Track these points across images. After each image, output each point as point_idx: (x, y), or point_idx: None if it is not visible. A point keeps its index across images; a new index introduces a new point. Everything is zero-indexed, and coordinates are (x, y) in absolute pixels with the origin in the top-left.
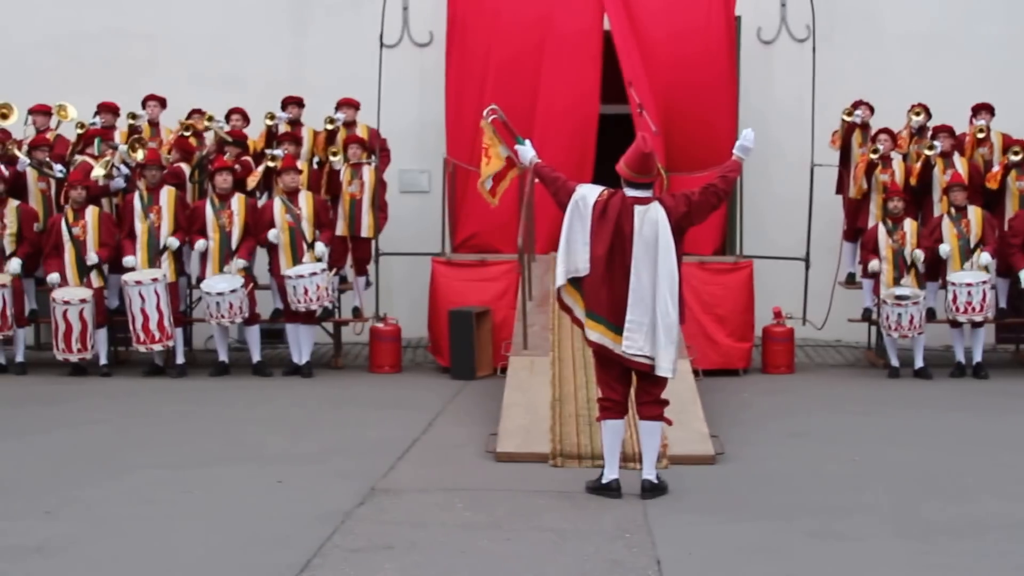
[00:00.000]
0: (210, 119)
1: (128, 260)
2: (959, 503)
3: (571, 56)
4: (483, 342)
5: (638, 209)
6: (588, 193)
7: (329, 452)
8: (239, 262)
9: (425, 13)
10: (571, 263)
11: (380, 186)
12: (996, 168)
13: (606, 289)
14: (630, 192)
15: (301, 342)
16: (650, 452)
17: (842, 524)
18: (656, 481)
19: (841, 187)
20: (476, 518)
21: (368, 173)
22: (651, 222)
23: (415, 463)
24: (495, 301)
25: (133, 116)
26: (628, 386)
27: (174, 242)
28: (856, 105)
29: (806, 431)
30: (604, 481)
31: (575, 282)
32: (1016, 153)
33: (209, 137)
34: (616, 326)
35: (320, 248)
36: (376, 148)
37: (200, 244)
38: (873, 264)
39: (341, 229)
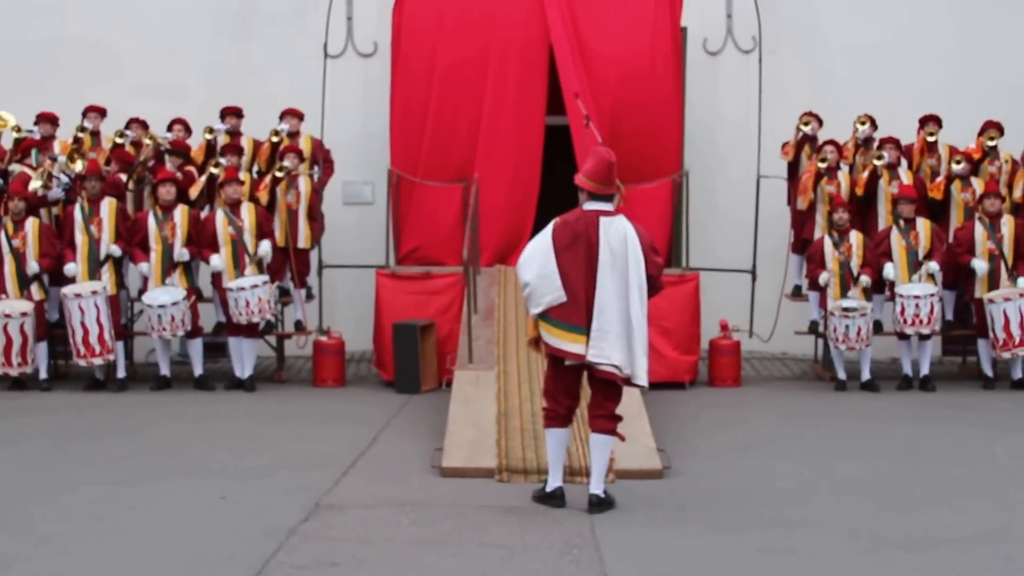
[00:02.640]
0: (151, 138)
1: (69, 267)
2: (909, 516)
3: (517, 66)
4: (428, 356)
5: (603, 220)
6: (543, 237)
7: (273, 467)
8: (183, 252)
9: (369, 23)
10: (545, 299)
11: (315, 196)
12: (940, 179)
13: (584, 300)
14: (591, 206)
15: (244, 356)
16: (599, 466)
17: (792, 538)
18: (603, 496)
19: (791, 198)
20: (422, 534)
21: (304, 183)
22: (618, 233)
23: (360, 478)
24: (440, 314)
25: (82, 130)
26: (575, 400)
27: (116, 249)
28: (807, 116)
29: (753, 444)
30: (548, 490)
31: (542, 313)
32: (958, 163)
33: (146, 144)
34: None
35: (264, 247)
36: (320, 159)
37: (143, 267)
38: (823, 276)
39: (278, 240)
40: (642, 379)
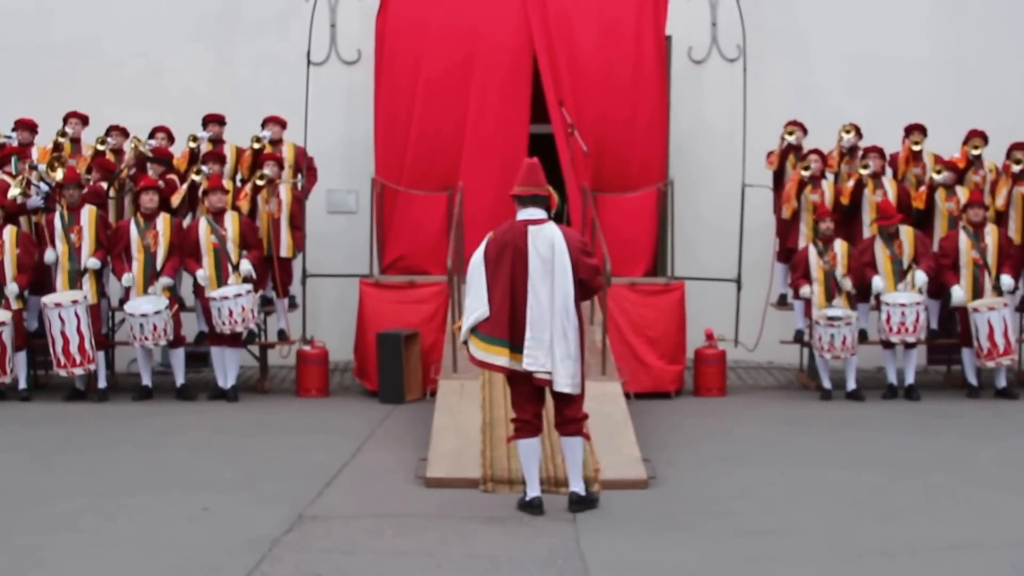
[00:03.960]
0: (135, 142)
1: (49, 254)
2: (893, 525)
3: (501, 74)
4: (412, 365)
5: (532, 229)
6: (477, 253)
7: (256, 478)
8: (164, 280)
9: (353, 31)
10: (472, 316)
11: (296, 205)
12: (922, 188)
13: (507, 312)
14: (522, 215)
15: (227, 365)
16: (574, 465)
17: (777, 547)
18: (583, 494)
19: (776, 207)
20: (406, 545)
21: (285, 192)
22: (546, 240)
23: (344, 489)
24: (424, 324)
25: (63, 134)
26: (539, 404)
27: (95, 263)
28: (792, 125)
29: (738, 454)
30: (527, 499)
31: (474, 329)
32: (939, 172)
33: (127, 151)
34: (517, 346)
35: (245, 266)
36: (303, 167)
37: (126, 279)
38: (804, 290)
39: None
40: (563, 385)
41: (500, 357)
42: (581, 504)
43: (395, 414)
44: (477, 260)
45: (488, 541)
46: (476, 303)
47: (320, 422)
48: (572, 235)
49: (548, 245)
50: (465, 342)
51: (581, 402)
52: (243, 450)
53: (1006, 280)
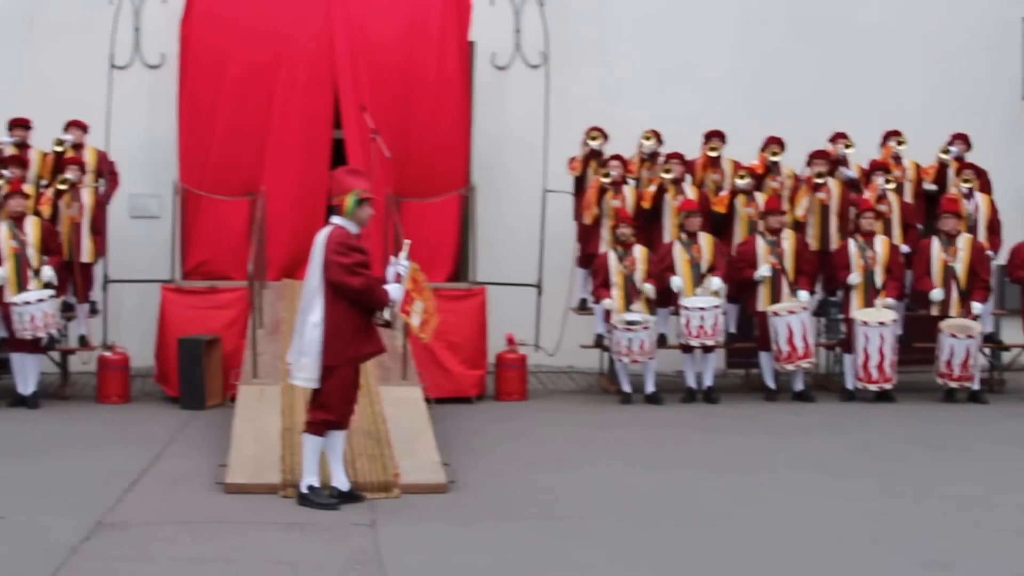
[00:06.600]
0: None
1: None
2: (691, 527)
3: (304, 79)
4: (213, 371)
5: (317, 235)
6: None
7: (54, 485)
8: None
9: (157, 34)
10: None
11: (98, 209)
12: (724, 193)
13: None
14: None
15: (27, 371)
16: (303, 461)
17: (579, 552)
18: (305, 491)
19: (577, 213)
20: (206, 551)
21: (87, 196)
22: (317, 242)
23: (143, 496)
24: (226, 329)
25: None
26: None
27: None
28: (594, 131)
29: (539, 457)
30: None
31: None
32: (742, 178)
33: None
34: None
35: (48, 273)
36: (105, 171)
37: None
38: (606, 303)
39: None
40: (296, 378)
41: None
42: (301, 501)
43: (196, 420)
44: None
45: (288, 547)
46: None
47: (121, 428)
48: (333, 235)
49: (317, 247)
50: None
51: (321, 402)
52: (42, 457)
53: (803, 295)
